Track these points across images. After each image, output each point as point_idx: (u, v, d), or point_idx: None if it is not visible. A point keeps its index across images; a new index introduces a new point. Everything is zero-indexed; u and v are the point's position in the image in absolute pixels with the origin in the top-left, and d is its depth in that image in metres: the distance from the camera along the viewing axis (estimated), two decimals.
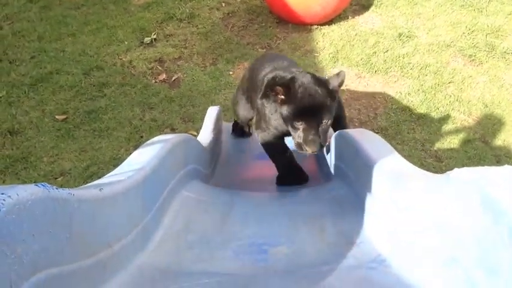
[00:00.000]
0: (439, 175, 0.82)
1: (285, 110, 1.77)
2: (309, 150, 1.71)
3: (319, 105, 1.71)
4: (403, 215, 0.98)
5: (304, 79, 1.77)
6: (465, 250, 0.68)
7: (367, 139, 1.41)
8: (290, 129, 1.80)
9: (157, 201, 1.25)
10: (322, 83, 1.77)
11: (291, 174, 2.05)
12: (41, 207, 0.66)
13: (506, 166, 0.65)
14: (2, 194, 0.59)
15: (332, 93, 1.76)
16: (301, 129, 1.73)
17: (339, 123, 2.06)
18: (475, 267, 0.65)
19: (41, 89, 3.54)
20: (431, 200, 0.82)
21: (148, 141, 1.49)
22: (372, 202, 1.23)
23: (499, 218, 0.59)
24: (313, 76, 1.81)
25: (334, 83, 1.77)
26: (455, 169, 0.71)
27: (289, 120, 1.77)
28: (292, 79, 1.78)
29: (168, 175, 1.41)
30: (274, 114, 1.92)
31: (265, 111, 1.98)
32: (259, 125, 2.07)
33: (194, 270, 1.09)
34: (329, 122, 1.75)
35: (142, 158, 1.26)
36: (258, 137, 2.10)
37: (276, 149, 2.07)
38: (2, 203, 0.58)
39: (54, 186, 0.72)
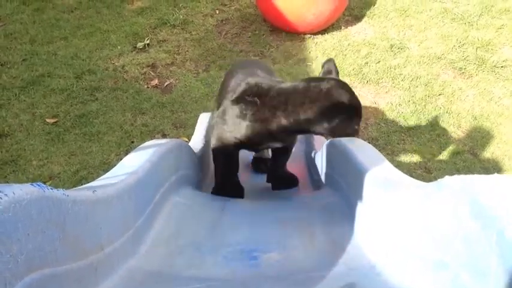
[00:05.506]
0: (430, 183, 0.83)
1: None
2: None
3: None
4: (394, 222, 0.99)
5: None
6: (454, 255, 0.69)
7: (358, 147, 1.43)
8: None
9: (149, 205, 1.25)
10: None
11: (228, 186, 1.92)
12: (37, 207, 0.66)
13: (495, 175, 0.66)
14: None
15: None
16: None
17: None
18: (463, 272, 0.67)
19: (32, 92, 3.53)
20: (421, 206, 0.83)
21: (141, 145, 1.49)
22: (362, 210, 1.24)
23: (487, 224, 0.60)
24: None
25: None
26: (446, 176, 0.73)
27: None
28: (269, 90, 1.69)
29: (160, 180, 1.41)
30: (243, 123, 1.74)
31: (233, 117, 1.76)
32: (219, 128, 1.85)
33: (185, 275, 1.09)
34: None
35: (135, 162, 1.26)
36: (212, 140, 1.89)
37: (226, 157, 1.90)
38: None
39: (49, 187, 0.73)
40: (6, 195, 0.60)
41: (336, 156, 1.65)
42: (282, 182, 2.10)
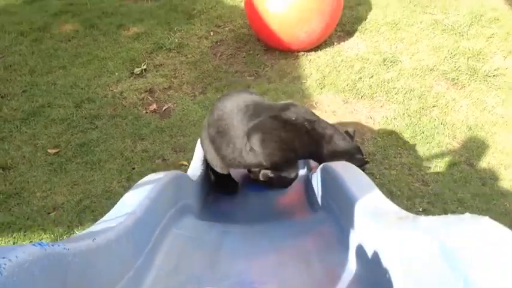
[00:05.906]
0: (411, 217, 0.87)
1: None
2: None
3: None
4: (381, 254, 1.03)
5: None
6: None
7: (349, 175, 1.47)
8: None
9: (149, 243, 1.29)
10: None
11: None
12: (39, 265, 0.71)
13: (466, 214, 0.70)
14: (3, 258, 0.64)
15: None
16: None
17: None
18: None
19: (33, 123, 3.59)
20: (404, 241, 0.88)
21: (140, 181, 1.54)
22: (355, 237, 1.29)
23: (455, 267, 0.64)
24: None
25: None
26: (422, 217, 0.77)
27: None
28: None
29: (159, 215, 1.46)
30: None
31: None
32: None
33: None
34: None
35: (133, 201, 1.30)
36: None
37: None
38: (3, 268, 0.63)
39: (50, 243, 0.77)
40: (10, 260, 0.64)
41: (328, 182, 1.69)
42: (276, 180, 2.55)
